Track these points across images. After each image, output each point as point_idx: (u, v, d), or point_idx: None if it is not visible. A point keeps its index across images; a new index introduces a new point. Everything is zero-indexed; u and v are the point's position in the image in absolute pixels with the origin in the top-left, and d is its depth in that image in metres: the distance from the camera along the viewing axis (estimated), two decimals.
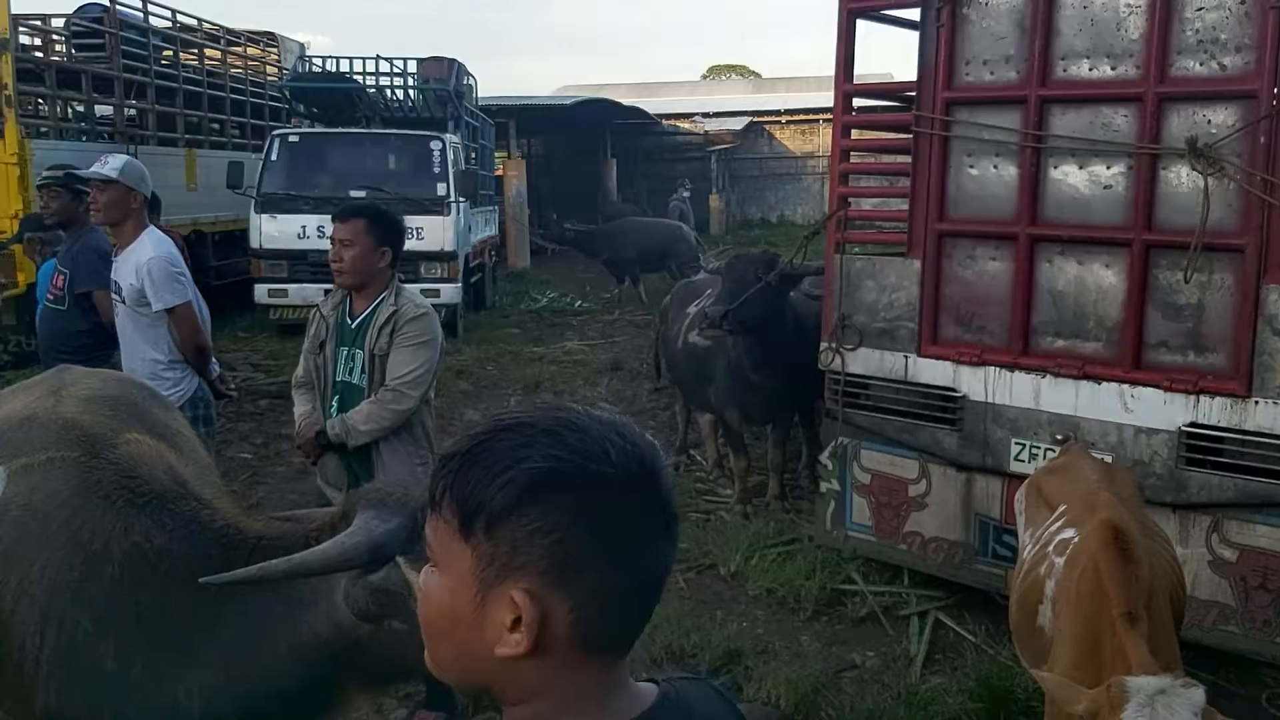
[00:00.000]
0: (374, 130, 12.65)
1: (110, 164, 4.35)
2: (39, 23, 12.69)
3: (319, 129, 12.69)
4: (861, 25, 5.02)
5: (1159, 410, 4.14)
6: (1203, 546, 4.09)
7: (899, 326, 4.84)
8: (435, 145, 11.92)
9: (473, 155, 14.30)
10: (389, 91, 13.20)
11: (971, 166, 4.60)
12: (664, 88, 35.30)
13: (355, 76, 13.30)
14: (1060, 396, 4.38)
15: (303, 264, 11.21)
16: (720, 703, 1.18)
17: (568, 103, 23.69)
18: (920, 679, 4.26)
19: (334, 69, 13.55)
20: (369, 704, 3.65)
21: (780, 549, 5.55)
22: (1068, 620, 2.77)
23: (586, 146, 27.41)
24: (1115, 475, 3.45)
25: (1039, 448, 4.43)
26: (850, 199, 5.24)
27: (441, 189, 11.75)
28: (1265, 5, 3.80)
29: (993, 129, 4.50)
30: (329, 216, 3.92)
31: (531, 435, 0.99)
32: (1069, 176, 4.35)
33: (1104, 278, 4.30)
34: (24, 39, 11.90)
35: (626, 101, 26.76)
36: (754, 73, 45.73)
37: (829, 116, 5.40)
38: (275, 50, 16.67)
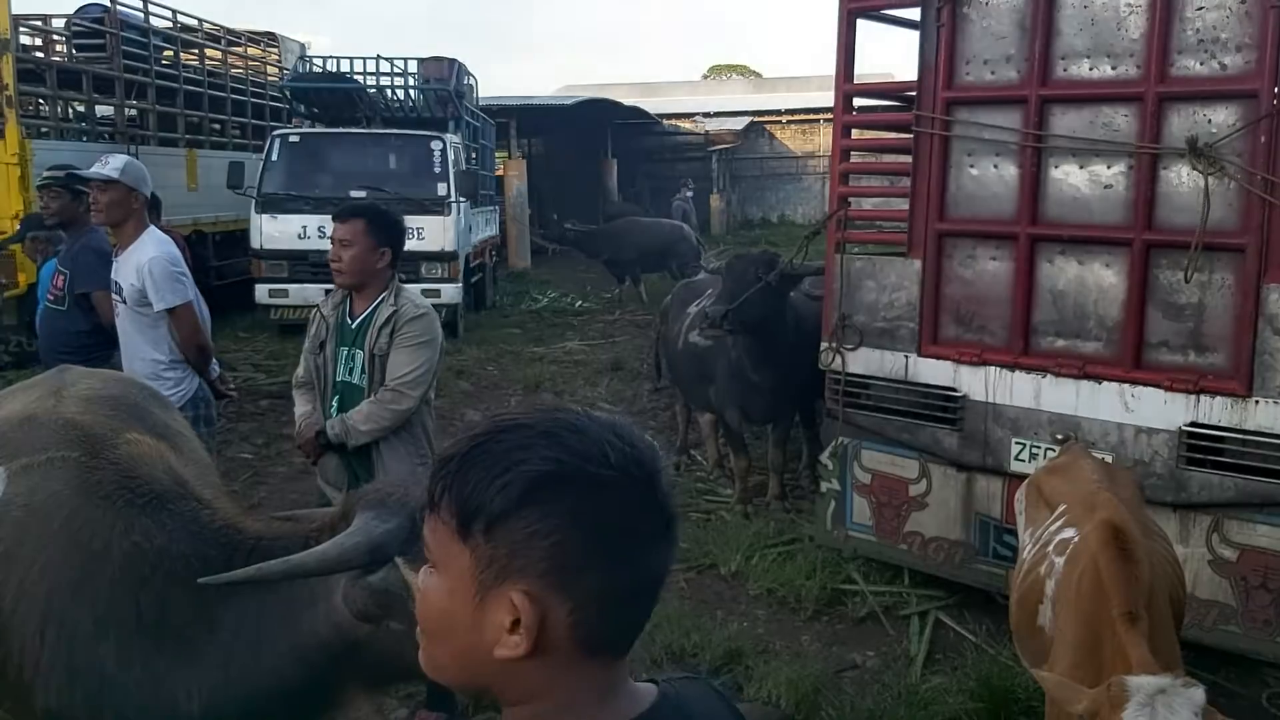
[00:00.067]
0: (374, 130, 12.65)
1: (111, 164, 4.35)
2: (40, 23, 12.71)
3: (319, 129, 12.70)
4: (861, 25, 5.02)
5: (1159, 410, 4.14)
6: (1203, 546, 4.09)
7: (899, 326, 4.84)
8: (436, 145, 11.93)
9: (473, 155, 14.30)
10: (389, 91, 13.20)
11: (972, 166, 4.60)
12: (665, 88, 35.30)
13: (356, 76, 13.29)
14: (1060, 396, 4.38)
15: (303, 264, 11.21)
16: (719, 703, 1.18)
17: (568, 103, 23.68)
18: (921, 679, 4.26)
19: (334, 69, 13.54)
20: (369, 704, 3.65)
21: (781, 549, 5.55)
22: (1068, 620, 2.77)
23: (587, 146, 27.41)
24: (1115, 475, 3.45)
25: (1039, 447, 4.43)
26: (851, 199, 5.24)
27: (442, 189, 11.76)
28: (1266, 4, 3.80)
29: (993, 129, 4.49)
30: (329, 216, 3.91)
31: (530, 437, 0.99)
32: (1069, 176, 4.35)
33: (1104, 277, 4.30)
34: (25, 39, 11.91)
35: (627, 101, 26.75)
36: (755, 73, 45.74)
37: (829, 116, 5.39)
38: (276, 50, 16.69)
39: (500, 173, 20.03)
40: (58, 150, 9.70)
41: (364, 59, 13.51)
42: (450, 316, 11.38)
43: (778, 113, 32.10)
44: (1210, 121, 3.98)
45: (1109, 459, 4.07)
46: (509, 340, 12.39)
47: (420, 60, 13.55)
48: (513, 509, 0.96)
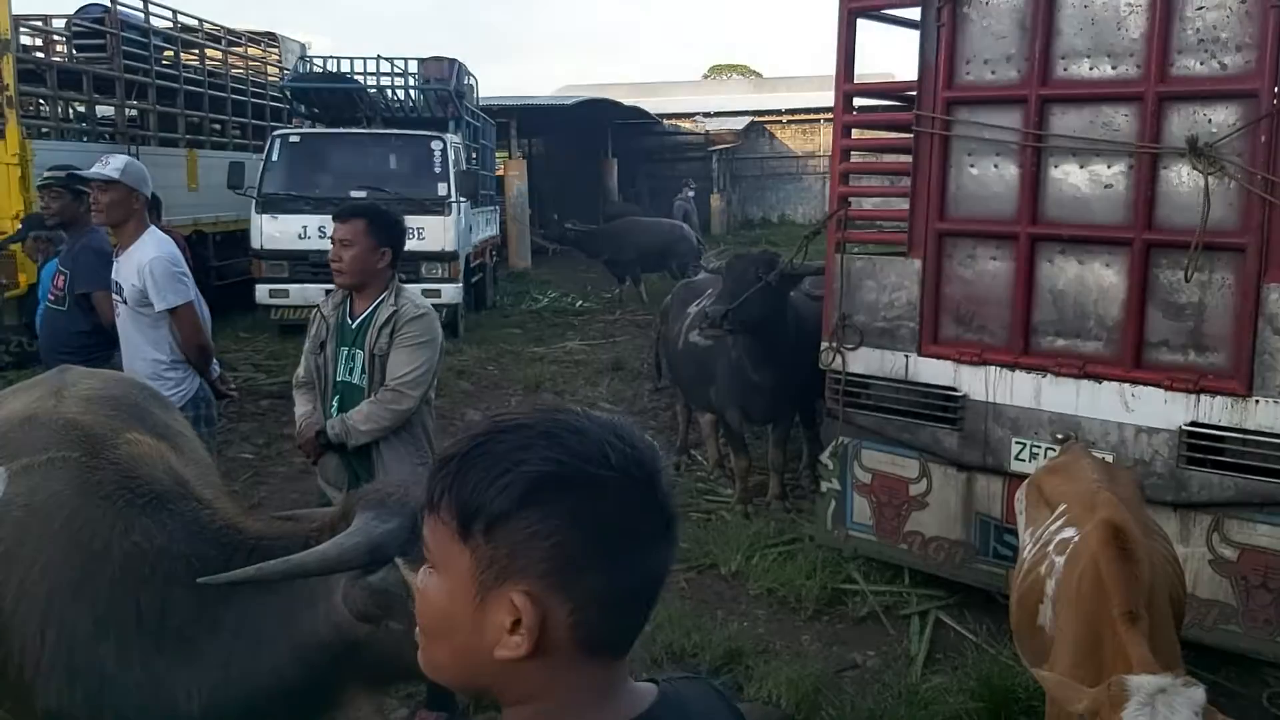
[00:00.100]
0: (375, 130, 12.65)
1: (112, 164, 4.35)
2: (40, 23, 12.71)
3: (320, 129, 12.70)
4: (861, 25, 5.02)
5: (1159, 409, 4.14)
6: (1203, 545, 4.09)
7: (900, 326, 4.84)
8: (436, 145, 11.93)
9: (474, 155, 14.29)
10: (390, 92, 13.20)
11: (972, 166, 4.60)
12: (665, 87, 35.28)
13: (356, 77, 13.29)
14: (1061, 396, 4.38)
15: (304, 264, 11.21)
16: (719, 702, 1.18)
17: (569, 103, 23.67)
18: (921, 678, 4.26)
19: (335, 69, 13.54)
20: (369, 704, 3.65)
21: (781, 548, 5.55)
22: (1068, 619, 2.77)
23: (588, 146, 27.41)
24: (1115, 474, 3.45)
25: (1039, 447, 4.43)
26: (851, 198, 5.24)
27: (442, 189, 11.76)
28: (1266, 4, 3.80)
29: (993, 128, 4.49)
30: (330, 217, 3.91)
31: (530, 438, 0.99)
32: (1069, 176, 4.35)
33: (1104, 277, 4.30)
34: (25, 40, 11.92)
35: (628, 101, 26.73)
36: (755, 72, 45.73)
37: (830, 116, 5.39)
38: (276, 50, 16.69)
39: (500, 173, 20.03)
40: (58, 150, 9.69)
41: (364, 59, 13.57)
42: (451, 316, 11.39)
43: (778, 112, 32.10)
44: (1210, 121, 3.98)
45: (1109, 458, 4.07)
46: (509, 340, 12.39)
47: (420, 60, 13.56)
48: (513, 510, 0.96)
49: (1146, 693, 2.17)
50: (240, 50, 15.83)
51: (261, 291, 11.58)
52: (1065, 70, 4.30)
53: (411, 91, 13.21)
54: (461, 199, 11.97)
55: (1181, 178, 4.06)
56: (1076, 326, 4.39)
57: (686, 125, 30.68)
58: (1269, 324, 3.89)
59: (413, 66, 13.45)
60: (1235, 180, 3.91)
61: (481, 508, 0.97)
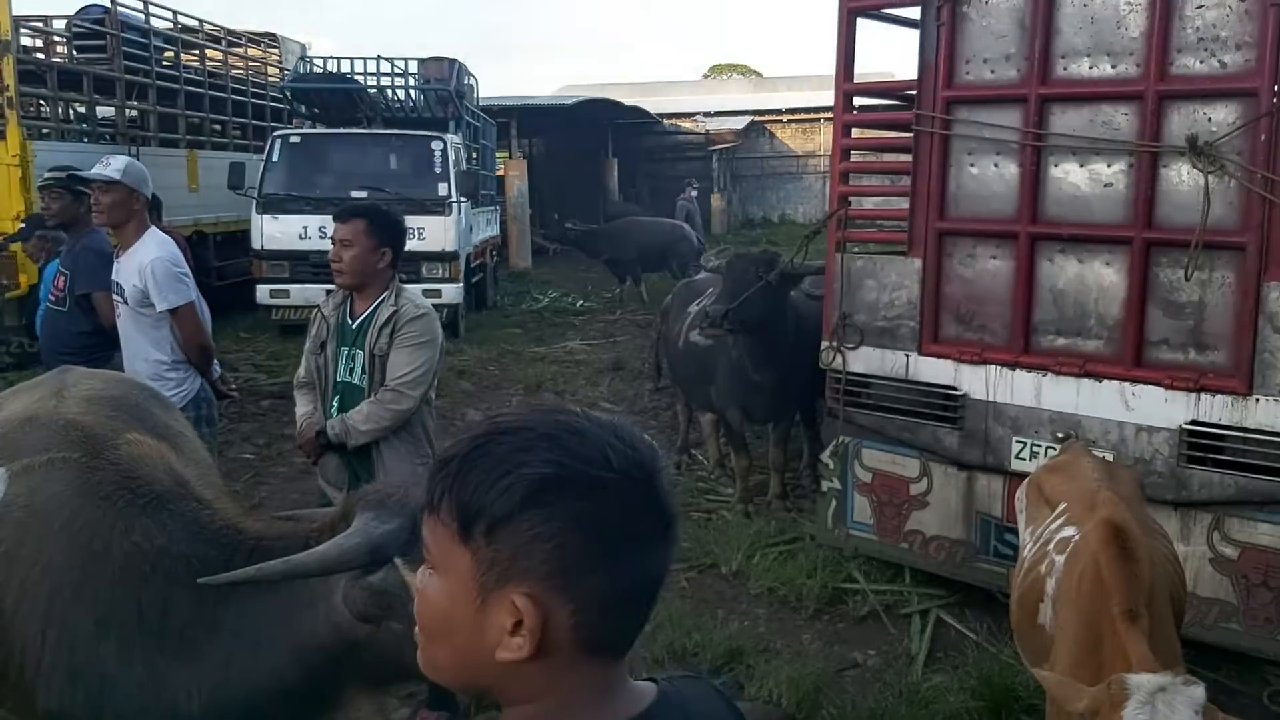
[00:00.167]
0: (375, 131, 12.66)
1: (112, 165, 4.35)
2: (40, 24, 12.69)
3: (320, 130, 12.71)
4: (861, 25, 5.02)
5: (1160, 408, 4.14)
6: (1204, 544, 4.09)
7: (900, 325, 4.84)
8: (436, 145, 11.93)
9: (474, 155, 14.30)
10: (390, 92, 13.21)
11: (972, 165, 4.60)
12: (665, 87, 35.27)
13: (356, 77, 13.30)
14: (1061, 395, 4.38)
15: (304, 264, 11.21)
16: (719, 701, 1.19)
17: (569, 102, 23.67)
18: (922, 677, 4.26)
19: (335, 70, 13.55)
20: (370, 704, 3.65)
21: (782, 548, 5.55)
22: (1068, 618, 2.77)
23: (588, 146, 27.41)
24: (1116, 473, 3.45)
25: (1040, 446, 4.43)
26: (851, 198, 5.24)
27: (443, 189, 11.76)
28: (1265, 3, 3.80)
29: (993, 127, 4.49)
30: (330, 217, 3.91)
31: (531, 439, 0.99)
32: (1069, 175, 4.35)
33: (1105, 276, 4.30)
34: (25, 40, 11.91)
35: (628, 101, 26.72)
36: (755, 72, 45.71)
37: (830, 115, 5.39)
38: (276, 51, 16.70)
39: (501, 173, 20.03)
40: (59, 151, 9.69)
41: (364, 59, 13.56)
42: (451, 316, 11.39)
43: (778, 112, 32.09)
44: (1210, 120, 3.98)
45: (1110, 457, 4.07)
46: (510, 340, 12.40)
47: (421, 61, 13.57)
48: (515, 512, 0.96)
49: (1146, 691, 2.17)
50: (240, 51, 15.83)
51: (262, 292, 11.59)
52: (1065, 69, 4.30)
53: (412, 92, 13.21)
54: (462, 199, 11.97)
55: (1181, 176, 4.06)
56: (1077, 325, 4.39)
57: (687, 125, 30.67)
58: (1269, 322, 3.89)
59: (413, 67, 13.46)
60: (1235, 179, 3.91)
61: (483, 510, 0.97)
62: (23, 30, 11.45)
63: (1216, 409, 4.02)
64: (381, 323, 3.65)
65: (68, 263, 5.05)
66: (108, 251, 4.75)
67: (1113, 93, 4.19)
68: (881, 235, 5.73)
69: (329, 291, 4.00)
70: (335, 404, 3.76)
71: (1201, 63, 3.98)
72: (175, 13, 13.83)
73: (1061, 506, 3.20)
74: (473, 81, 14.83)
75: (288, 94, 13.82)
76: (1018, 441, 4.51)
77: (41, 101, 11.95)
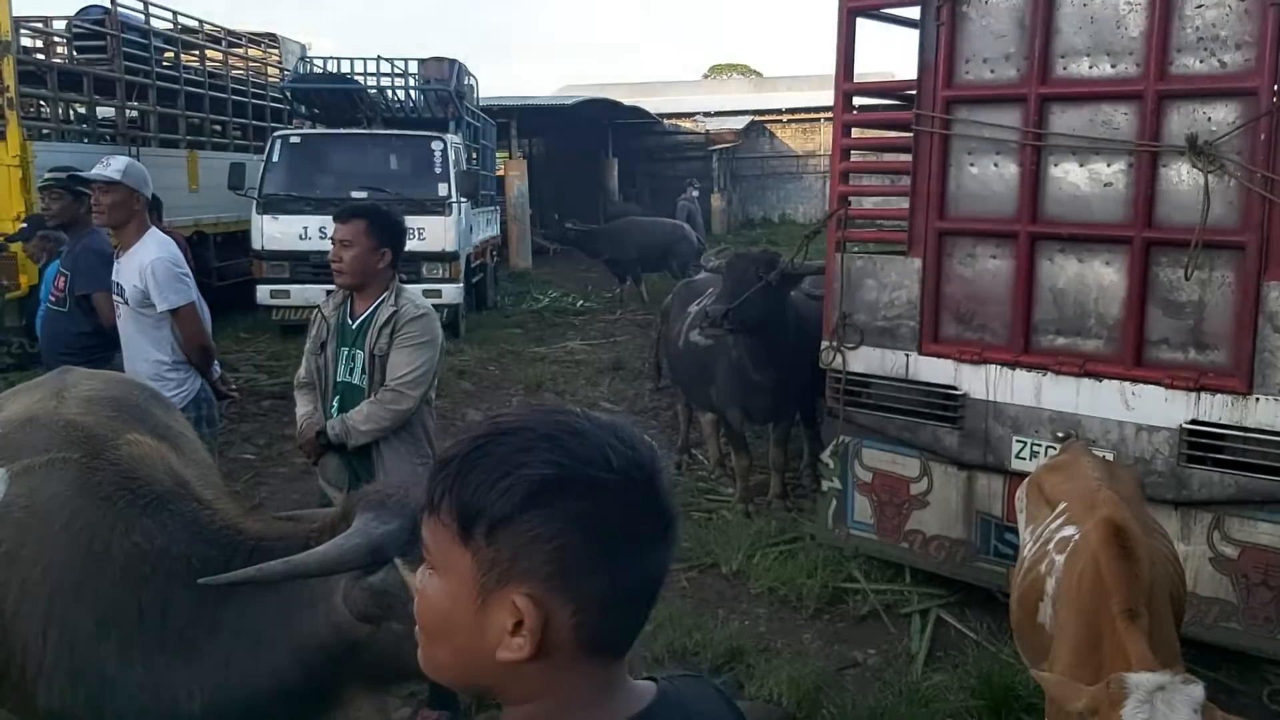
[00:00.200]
0: (375, 131, 12.66)
1: (113, 166, 4.36)
2: (41, 25, 12.70)
3: (320, 130, 12.71)
4: (861, 25, 5.02)
5: (1160, 407, 4.14)
6: (1204, 543, 4.09)
7: (900, 325, 4.85)
8: (436, 146, 11.93)
9: (474, 155, 14.30)
10: (390, 92, 13.21)
11: (972, 165, 4.60)
12: (665, 87, 35.27)
13: (356, 77, 13.30)
14: (1061, 394, 4.39)
15: (304, 265, 11.21)
16: (718, 700, 1.19)
17: (569, 102, 23.67)
18: (922, 676, 4.26)
19: (335, 70, 13.55)
20: (371, 704, 3.66)
21: (782, 547, 5.55)
22: (1068, 617, 2.77)
23: (588, 146, 27.41)
24: (1116, 473, 3.45)
25: (1040, 445, 4.43)
26: (851, 198, 5.24)
27: (443, 189, 11.76)
28: (1265, 2, 3.80)
29: (993, 127, 4.50)
30: (330, 217, 3.92)
31: (532, 440, 0.99)
32: (1069, 174, 4.35)
33: (1105, 275, 4.30)
34: (26, 41, 11.91)
35: (628, 101, 26.73)
36: (755, 72, 45.71)
37: (830, 115, 5.39)
38: (276, 51, 16.71)
39: (501, 173, 20.03)
40: (59, 152, 9.70)
41: (364, 60, 13.55)
42: (451, 317, 11.39)
43: (778, 112, 32.09)
44: (1210, 119, 3.98)
45: (1110, 457, 4.07)
46: (510, 340, 12.40)
47: (420, 61, 13.57)
48: (515, 513, 0.97)
49: (1146, 690, 2.17)
50: (241, 51, 15.83)
51: (262, 292, 11.59)
52: (1065, 69, 4.30)
53: (412, 92, 13.21)
54: (462, 199, 11.97)
55: (1181, 176, 4.07)
56: (1077, 325, 4.39)
57: (687, 125, 30.67)
58: (1269, 322, 3.89)
59: (413, 67, 13.46)
60: (1235, 178, 3.91)
61: (483, 511, 0.97)
62: (23, 31, 11.45)
63: (1216, 408, 4.02)
64: (381, 323, 3.65)
65: (68, 263, 5.05)
66: (108, 252, 4.76)
67: (1112, 92, 4.19)
68: (881, 235, 5.74)
69: (329, 292, 4.00)
70: (335, 404, 3.76)
71: (1201, 62, 3.98)
72: (175, 13, 13.83)
73: (1061, 506, 3.20)
74: (473, 82, 14.83)
75: (288, 94, 13.82)
76: (1018, 441, 4.52)
77: (42, 102, 11.95)
